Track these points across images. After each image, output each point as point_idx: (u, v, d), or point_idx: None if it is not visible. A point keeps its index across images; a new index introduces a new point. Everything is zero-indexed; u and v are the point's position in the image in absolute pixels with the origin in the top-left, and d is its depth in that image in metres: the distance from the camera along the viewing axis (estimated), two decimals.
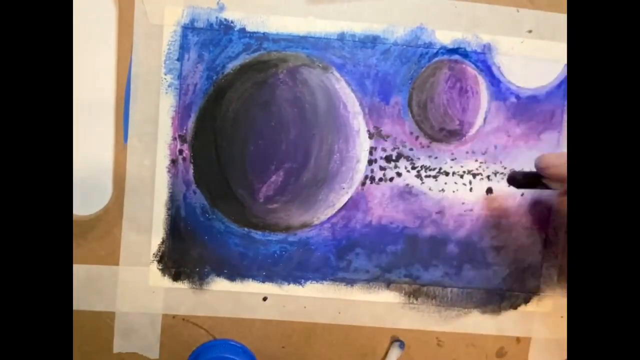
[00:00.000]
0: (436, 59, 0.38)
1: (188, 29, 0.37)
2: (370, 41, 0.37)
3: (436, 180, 0.39)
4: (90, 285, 0.38)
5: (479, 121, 0.39)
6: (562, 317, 0.41)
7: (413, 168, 0.39)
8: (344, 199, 0.39)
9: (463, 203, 0.39)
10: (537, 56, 0.39)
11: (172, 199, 0.38)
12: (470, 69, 0.38)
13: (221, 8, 0.37)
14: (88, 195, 0.38)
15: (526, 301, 0.41)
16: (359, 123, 0.38)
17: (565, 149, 0.39)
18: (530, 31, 0.38)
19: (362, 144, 0.38)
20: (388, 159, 0.38)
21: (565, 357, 0.41)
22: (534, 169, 0.34)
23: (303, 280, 0.39)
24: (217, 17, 0.37)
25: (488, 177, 0.39)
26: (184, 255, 0.39)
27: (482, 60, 0.38)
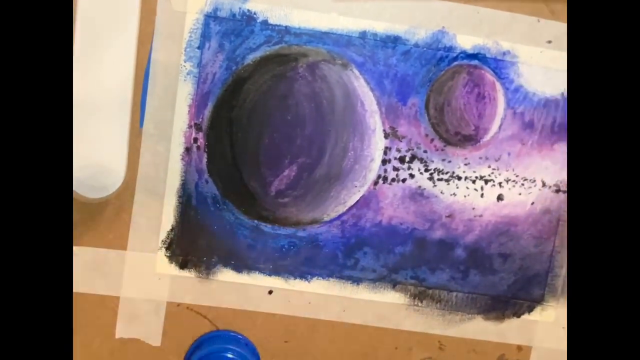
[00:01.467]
0: (455, 63, 0.38)
1: (210, 17, 0.37)
2: (392, 41, 0.37)
3: (448, 184, 0.39)
4: (96, 269, 0.38)
5: (494, 128, 0.39)
6: (563, 328, 0.41)
7: (426, 170, 0.39)
8: (356, 197, 0.39)
9: (473, 208, 0.39)
10: (555, 67, 0.39)
11: (184, 187, 0.38)
12: (489, 75, 0.38)
13: None
14: (100, 178, 0.38)
15: (530, 310, 0.41)
16: (375, 122, 0.38)
17: None
18: (549, 42, 0.39)
19: (377, 143, 0.38)
20: (402, 159, 0.39)
21: None
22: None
23: (309, 276, 0.39)
24: (240, 8, 0.37)
25: (500, 184, 0.39)
26: (192, 244, 0.38)
27: (501, 68, 0.38)
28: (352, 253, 0.39)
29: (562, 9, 0.38)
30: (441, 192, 0.39)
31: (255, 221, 0.39)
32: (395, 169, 0.39)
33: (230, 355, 0.37)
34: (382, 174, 0.39)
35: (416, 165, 0.39)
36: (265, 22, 0.37)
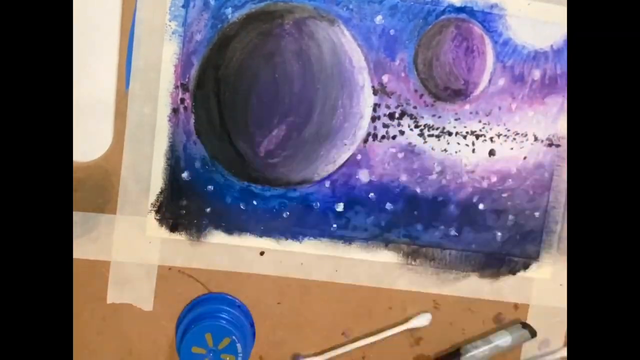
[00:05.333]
0: (443, 16, 0.38)
1: None
2: None
3: (439, 140, 0.39)
4: (86, 234, 0.38)
5: (484, 82, 0.38)
6: (561, 285, 0.41)
7: (416, 127, 0.38)
8: (346, 155, 0.38)
9: (465, 164, 0.39)
10: (543, 19, 0.38)
11: (172, 149, 0.38)
12: (477, 29, 0.38)
13: None
14: (87, 141, 0.38)
15: (525, 267, 0.40)
16: (363, 78, 0.38)
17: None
18: None
19: (366, 100, 0.38)
20: (391, 116, 0.38)
21: (564, 325, 0.41)
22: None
23: (301, 237, 0.39)
24: None
25: (491, 138, 0.39)
26: (182, 207, 0.38)
27: (489, 21, 0.38)
28: (344, 212, 0.39)
29: None
30: (432, 148, 0.39)
31: (245, 182, 0.38)
32: (385, 125, 0.38)
33: (223, 316, 0.37)
34: (372, 132, 0.38)
35: (406, 121, 0.38)
36: None
